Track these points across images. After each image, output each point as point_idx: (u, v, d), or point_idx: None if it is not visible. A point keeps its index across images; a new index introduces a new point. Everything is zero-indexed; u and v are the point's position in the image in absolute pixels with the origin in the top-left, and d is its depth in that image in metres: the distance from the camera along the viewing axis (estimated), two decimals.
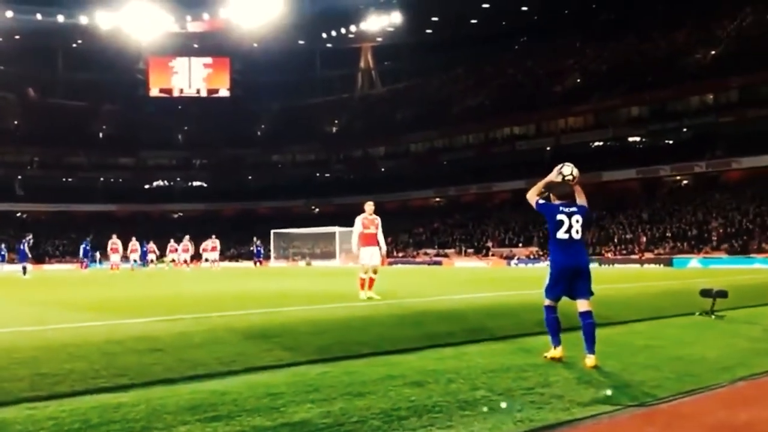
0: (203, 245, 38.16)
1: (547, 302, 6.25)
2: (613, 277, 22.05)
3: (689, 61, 50.11)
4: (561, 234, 6.20)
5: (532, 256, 44.73)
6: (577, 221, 6.17)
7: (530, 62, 62.18)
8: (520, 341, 6.96)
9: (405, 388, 4.77)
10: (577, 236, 6.17)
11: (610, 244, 43.87)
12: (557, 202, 6.34)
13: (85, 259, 38.39)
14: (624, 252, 42.05)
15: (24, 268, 28.83)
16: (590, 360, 5.73)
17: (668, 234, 42.37)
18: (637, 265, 37.38)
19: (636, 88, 49.90)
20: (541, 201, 6.38)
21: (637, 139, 52.75)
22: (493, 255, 47.28)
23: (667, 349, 6.61)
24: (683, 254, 38.40)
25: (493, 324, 8.34)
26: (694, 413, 4.31)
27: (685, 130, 49.31)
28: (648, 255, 39.91)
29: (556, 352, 6.07)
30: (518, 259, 44.37)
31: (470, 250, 50.08)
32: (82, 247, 38.62)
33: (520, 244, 48.19)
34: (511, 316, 9.57)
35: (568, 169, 6.25)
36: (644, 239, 42.54)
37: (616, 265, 37.99)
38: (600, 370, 5.49)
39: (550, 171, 6.54)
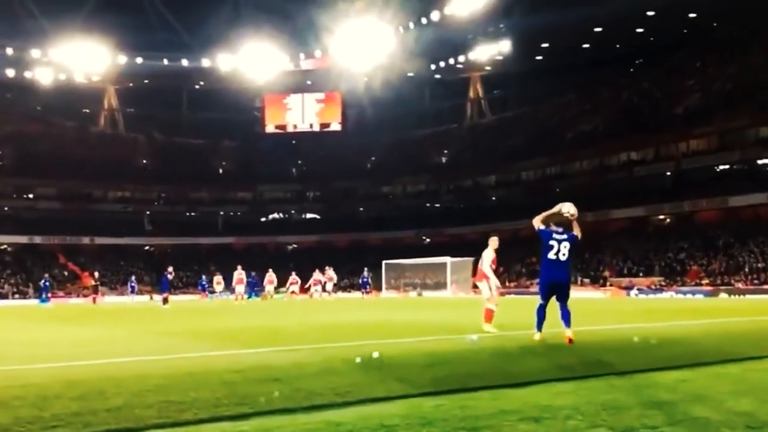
0: (317, 276, 39.21)
1: (541, 302, 8.76)
2: (745, 309, 20.65)
3: None
4: (551, 255, 8.09)
5: (653, 287, 42.72)
6: (565, 246, 8.04)
7: (647, 84, 60.01)
8: (642, 377, 6.61)
9: (521, 424, 4.64)
10: (563, 258, 8.11)
11: (740, 274, 41.23)
12: (553, 228, 8.28)
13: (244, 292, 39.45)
14: (756, 282, 39.36)
15: (165, 299, 30.38)
16: (568, 332, 8.45)
17: None
18: None
19: (765, 107, 46.93)
20: (543, 227, 8.27)
21: None
22: (611, 285, 45.53)
23: None
24: None
25: (614, 358, 7.98)
26: None
27: None
28: None
29: (537, 336, 8.69)
30: (638, 289, 42.47)
31: (586, 280, 48.46)
32: (248, 280, 39.53)
33: (641, 274, 46.16)
34: (633, 350, 9.14)
35: (567, 207, 8.24)
36: None
37: (747, 296, 35.60)
38: (732, 408, 5.12)
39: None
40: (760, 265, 41.25)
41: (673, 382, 5.78)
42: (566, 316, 8.55)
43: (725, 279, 41.27)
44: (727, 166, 51.19)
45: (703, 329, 12.90)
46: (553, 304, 9.34)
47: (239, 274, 36.39)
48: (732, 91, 51.67)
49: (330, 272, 39.66)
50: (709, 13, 54.40)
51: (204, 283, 45.93)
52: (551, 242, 8.05)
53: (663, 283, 43.39)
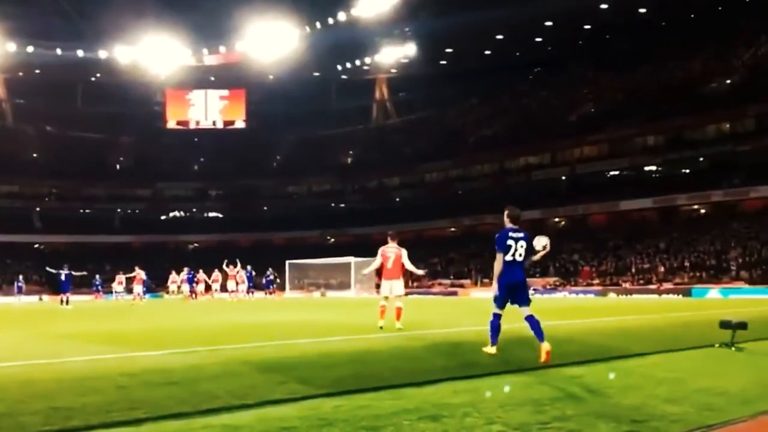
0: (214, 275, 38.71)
1: (497, 311, 7.91)
2: (630, 308, 21.78)
3: (705, 90, 50.04)
4: (508, 257, 7.68)
5: (548, 287, 44.38)
6: (522, 246, 7.71)
7: (545, 92, 62.37)
8: (537, 373, 6.85)
9: (420, 422, 4.70)
10: (519, 258, 7.72)
11: (627, 274, 43.45)
12: (509, 225, 7.82)
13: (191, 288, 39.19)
14: (642, 282, 41.63)
15: (64, 300, 29.10)
16: (546, 346, 7.31)
17: (686, 264, 41.93)
18: (656, 296, 36.95)
19: (651, 117, 49.80)
20: (496, 235, 7.84)
21: (653, 168, 52.50)
22: None
23: (686, 382, 6.49)
24: (702, 284, 37.94)
25: (511, 356, 8.23)
26: None
27: (701, 158, 49.05)
28: (666, 285, 39.47)
29: (492, 349, 7.88)
30: (534, 289, 43.98)
31: (486, 280, 49.74)
32: (186, 276, 39.12)
33: (537, 274, 47.85)
34: (529, 348, 9.44)
35: (542, 242, 7.92)
36: (662, 269, 42.12)
37: (633, 296, 37.59)
38: (620, 402, 5.39)
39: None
40: (645, 266, 43.65)
41: (566, 379, 6.01)
42: (537, 327, 7.57)
43: (614, 279, 43.40)
44: (617, 172, 54.03)
45: (593, 327, 13.51)
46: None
47: (137, 273, 35.30)
48: (622, 101, 54.53)
49: (232, 270, 38.86)
50: (602, 26, 57.10)
51: (98, 282, 44.08)
52: (509, 242, 7.70)
53: (557, 283, 45.14)
